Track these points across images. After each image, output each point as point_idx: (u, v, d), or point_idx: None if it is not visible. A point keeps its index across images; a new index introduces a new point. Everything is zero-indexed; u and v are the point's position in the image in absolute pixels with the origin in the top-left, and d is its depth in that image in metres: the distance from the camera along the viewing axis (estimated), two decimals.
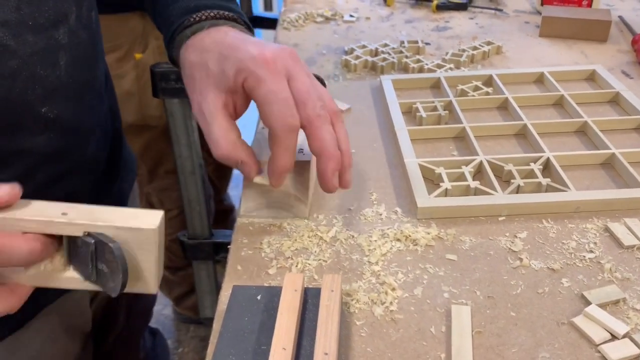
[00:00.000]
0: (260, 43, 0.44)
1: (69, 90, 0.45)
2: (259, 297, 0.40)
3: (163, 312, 1.54)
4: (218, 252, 0.72)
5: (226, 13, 0.49)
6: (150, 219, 0.36)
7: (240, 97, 0.44)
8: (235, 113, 0.45)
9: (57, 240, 0.37)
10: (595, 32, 0.82)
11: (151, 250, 0.36)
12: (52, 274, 0.37)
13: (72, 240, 0.37)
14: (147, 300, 0.79)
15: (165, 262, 1.23)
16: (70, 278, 0.38)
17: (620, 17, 0.88)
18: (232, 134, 0.43)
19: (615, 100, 0.64)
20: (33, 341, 0.51)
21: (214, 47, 0.45)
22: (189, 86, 0.46)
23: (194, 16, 0.47)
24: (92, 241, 0.35)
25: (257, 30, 1.55)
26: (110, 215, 0.36)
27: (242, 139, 0.44)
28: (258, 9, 1.94)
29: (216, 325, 0.40)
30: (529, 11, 0.95)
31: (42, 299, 0.50)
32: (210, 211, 0.99)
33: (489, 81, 0.68)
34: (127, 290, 0.37)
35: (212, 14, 0.48)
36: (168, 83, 0.60)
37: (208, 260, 0.74)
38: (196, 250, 0.72)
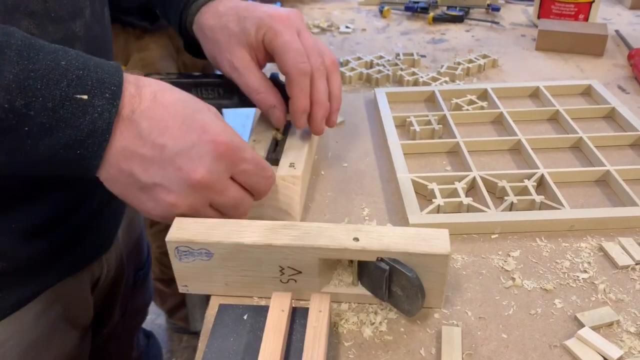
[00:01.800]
0: (271, 6, 0.50)
1: None
2: (245, 317, 0.39)
3: (156, 322, 1.53)
4: None
5: None
6: (441, 243, 0.37)
7: (261, 51, 0.50)
8: (259, 65, 0.51)
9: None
10: (592, 46, 0.81)
11: (442, 272, 0.38)
12: (343, 288, 0.41)
13: (363, 263, 0.39)
14: (143, 298, 0.80)
15: (158, 274, 1.22)
16: (360, 294, 0.40)
17: (616, 31, 0.88)
18: (266, 82, 0.50)
19: (611, 116, 0.63)
20: (33, 326, 0.51)
21: (231, 11, 0.51)
22: (212, 49, 0.52)
23: None
24: (387, 267, 0.37)
25: None
26: (398, 237, 0.38)
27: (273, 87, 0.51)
28: None
29: (201, 345, 0.39)
30: (525, 24, 0.94)
31: (38, 282, 0.51)
32: None
33: (483, 95, 0.67)
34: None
35: None
36: None
37: None
38: None
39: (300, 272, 0.39)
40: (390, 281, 0.38)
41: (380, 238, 0.38)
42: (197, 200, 0.39)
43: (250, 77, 0.50)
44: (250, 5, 0.51)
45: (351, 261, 0.41)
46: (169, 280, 1.22)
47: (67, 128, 0.35)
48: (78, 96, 0.35)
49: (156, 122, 0.37)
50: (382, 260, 0.37)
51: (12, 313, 0.49)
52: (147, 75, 0.61)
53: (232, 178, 0.41)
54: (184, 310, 1.26)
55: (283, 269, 0.39)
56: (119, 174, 0.38)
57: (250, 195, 0.42)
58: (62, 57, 0.36)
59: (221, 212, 0.41)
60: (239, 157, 0.40)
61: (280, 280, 0.40)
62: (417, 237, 0.38)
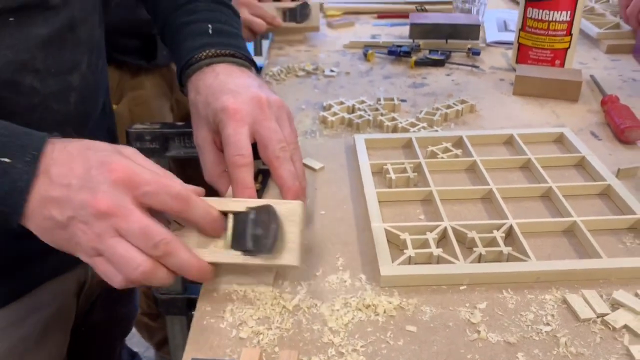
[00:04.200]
0: (236, 92, 0.53)
1: (75, 120, 0.54)
2: None
3: (145, 354, 1.53)
4: (191, 307, 0.72)
5: (224, 50, 0.58)
6: (294, 201, 0.47)
7: (219, 137, 0.53)
8: (222, 147, 0.53)
9: (224, 223, 0.46)
10: (567, 92, 0.84)
11: (297, 222, 0.45)
12: (218, 252, 0.46)
13: (235, 216, 0.46)
14: (128, 309, 0.84)
15: (145, 309, 1.22)
16: (233, 254, 0.46)
17: (591, 76, 0.91)
18: (218, 167, 0.54)
19: (582, 165, 0.65)
20: (20, 324, 0.58)
21: (204, 90, 0.55)
22: (191, 116, 0.57)
23: (196, 56, 0.57)
24: (253, 211, 0.45)
25: None
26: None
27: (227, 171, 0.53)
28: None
29: None
30: (504, 68, 0.97)
31: (25, 281, 0.58)
32: None
33: (459, 142, 0.70)
34: (275, 262, 0.45)
35: (211, 53, 0.58)
36: (143, 143, 0.61)
37: (181, 315, 0.74)
38: (169, 305, 0.72)
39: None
40: (255, 226, 0.45)
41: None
42: (105, 230, 0.41)
43: (205, 157, 0.55)
44: (220, 86, 0.54)
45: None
46: (157, 315, 1.22)
47: None
48: (0, 159, 0.40)
49: (62, 166, 0.42)
50: (250, 208, 0.46)
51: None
52: (134, 126, 0.64)
53: (142, 206, 0.42)
54: None
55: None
56: (42, 222, 0.42)
57: (164, 225, 0.43)
58: None
59: (132, 243, 0.42)
60: (137, 179, 0.42)
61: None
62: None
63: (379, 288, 0.49)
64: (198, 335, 0.45)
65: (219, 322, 0.46)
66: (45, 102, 0.53)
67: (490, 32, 1.11)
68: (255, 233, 0.45)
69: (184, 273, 0.44)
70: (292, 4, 1.10)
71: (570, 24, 0.88)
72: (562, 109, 0.82)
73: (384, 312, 0.46)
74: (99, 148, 0.43)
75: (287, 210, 0.46)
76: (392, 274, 0.48)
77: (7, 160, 0.40)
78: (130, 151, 0.45)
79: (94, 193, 0.40)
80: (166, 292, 0.71)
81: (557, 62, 0.91)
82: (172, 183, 0.43)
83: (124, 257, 0.41)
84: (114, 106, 1.00)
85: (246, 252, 0.45)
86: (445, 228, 0.54)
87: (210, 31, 0.60)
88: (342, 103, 0.83)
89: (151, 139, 0.61)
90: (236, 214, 0.46)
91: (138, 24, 0.99)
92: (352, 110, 0.82)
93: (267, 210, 0.45)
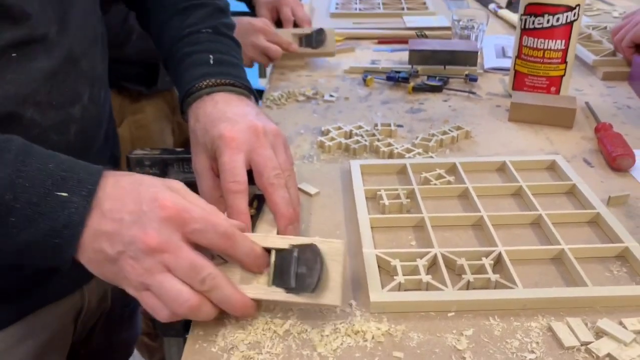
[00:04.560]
0: (233, 120, 0.55)
1: (75, 150, 0.54)
2: None
3: None
4: (189, 329, 0.73)
5: (224, 80, 0.61)
6: (337, 241, 0.48)
7: (216, 164, 0.55)
8: (219, 173, 0.55)
9: (268, 259, 0.48)
10: (561, 119, 0.86)
11: (339, 261, 0.47)
12: (261, 288, 0.47)
13: (278, 254, 0.48)
14: (129, 334, 0.85)
15: (145, 329, 1.23)
16: (275, 292, 0.47)
17: (587, 103, 0.92)
18: (215, 192, 0.55)
19: (572, 192, 0.66)
20: (15, 350, 0.59)
21: (204, 118, 0.57)
22: (191, 142, 0.59)
23: (197, 85, 0.60)
24: (296, 249, 0.47)
25: None
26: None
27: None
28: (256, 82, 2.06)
29: None
30: (501, 94, 0.99)
31: (20, 306, 0.59)
32: None
33: (452, 169, 0.71)
34: (316, 301, 0.46)
35: (211, 82, 0.60)
36: (142, 168, 0.63)
37: (179, 337, 0.75)
38: (167, 326, 0.73)
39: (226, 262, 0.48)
40: (298, 264, 0.47)
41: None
42: (153, 265, 0.42)
43: (202, 182, 0.57)
44: (218, 115, 0.56)
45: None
46: (156, 334, 1.23)
47: (47, 220, 0.41)
48: (59, 193, 0.41)
49: (115, 201, 0.43)
50: (293, 246, 0.48)
51: None
52: (134, 152, 0.66)
53: (189, 243, 0.44)
54: None
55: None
56: (93, 254, 0.43)
57: (209, 259, 0.45)
58: (51, 161, 0.43)
59: (180, 279, 0.43)
60: (186, 217, 0.43)
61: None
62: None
63: (369, 314, 0.50)
64: (190, 358, 0.46)
65: (211, 346, 0.47)
66: (45, 134, 0.54)
67: (489, 58, 1.13)
68: (298, 271, 0.46)
69: (227, 308, 0.46)
70: (308, 30, 1.13)
71: (565, 52, 0.90)
72: (557, 136, 0.83)
73: (373, 338, 0.47)
74: (150, 184, 0.45)
75: (330, 249, 0.47)
76: (382, 300, 0.50)
77: (64, 194, 0.42)
78: (180, 186, 0.47)
79: (144, 229, 0.42)
80: None
81: (553, 89, 0.93)
82: (219, 221, 0.45)
83: (172, 292, 0.43)
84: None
85: (289, 290, 0.46)
86: (436, 255, 0.55)
87: (211, 61, 0.62)
88: (340, 128, 0.84)
89: (151, 165, 0.63)
90: (279, 251, 0.48)
91: (149, 54, 1.02)
92: (349, 135, 0.83)
93: (311, 249, 0.47)
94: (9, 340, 0.59)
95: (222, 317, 0.50)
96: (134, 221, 0.43)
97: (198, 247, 0.45)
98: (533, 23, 0.89)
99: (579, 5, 0.86)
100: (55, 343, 0.65)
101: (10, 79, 0.50)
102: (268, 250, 0.49)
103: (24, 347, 0.60)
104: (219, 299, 0.45)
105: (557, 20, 0.87)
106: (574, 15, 0.87)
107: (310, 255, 0.47)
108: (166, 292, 0.43)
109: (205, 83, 0.60)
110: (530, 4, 0.89)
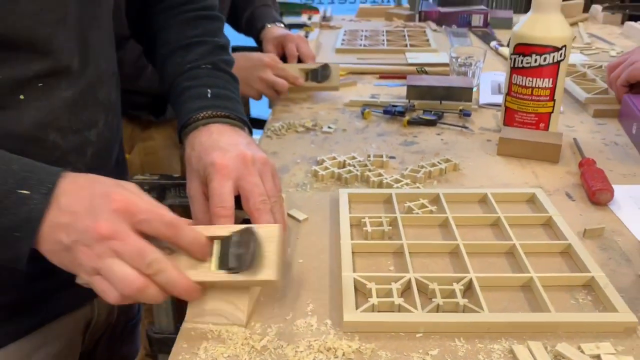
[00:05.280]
0: (225, 149, 0.60)
1: (93, 170, 0.58)
2: None
3: None
4: None
5: (220, 112, 0.66)
6: (272, 224, 0.54)
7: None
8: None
9: (211, 247, 0.53)
10: (547, 154, 0.89)
11: (275, 242, 0.52)
12: (206, 272, 0.52)
13: (221, 242, 0.53)
14: (129, 348, 0.88)
15: (142, 357, 1.27)
16: (217, 274, 0.51)
17: (574, 139, 0.96)
18: (207, 215, 0.59)
19: (549, 224, 0.69)
20: (31, 357, 0.64)
21: (198, 147, 0.62)
22: (186, 169, 0.64)
23: (194, 116, 0.65)
24: (236, 235, 0.52)
25: (255, 131, 1.69)
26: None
27: None
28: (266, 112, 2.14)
29: None
30: (493, 129, 1.03)
31: (35, 318, 0.64)
32: (177, 307, 1.05)
33: (436, 199, 0.74)
34: (253, 278, 0.50)
35: (207, 114, 0.65)
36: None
37: None
38: (162, 344, 0.76)
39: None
40: (238, 247, 0.51)
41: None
42: (104, 251, 0.47)
43: (195, 206, 0.61)
44: (212, 144, 0.61)
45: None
46: (153, 355, 1.26)
47: (9, 214, 0.46)
48: (20, 191, 0.47)
49: (71, 196, 0.48)
50: (234, 233, 0.52)
51: (9, 344, 0.60)
52: (135, 177, 0.71)
53: (137, 232, 0.48)
54: None
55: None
56: (51, 245, 0.48)
57: (154, 247, 0.49)
58: (15, 163, 0.48)
59: (129, 263, 0.47)
60: (134, 209, 0.48)
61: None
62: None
63: (342, 332, 0.53)
64: None
65: (193, 357, 0.51)
66: (65, 156, 0.60)
67: (484, 94, 1.17)
68: (237, 252, 0.51)
69: (172, 290, 0.49)
70: (314, 65, 1.18)
71: (553, 90, 0.93)
72: (542, 170, 0.87)
73: (343, 354, 0.50)
74: (104, 182, 0.50)
75: (266, 232, 0.53)
76: (355, 320, 0.53)
77: (26, 192, 0.47)
78: (132, 186, 0.51)
79: (96, 219, 0.47)
80: (159, 332, 0.76)
81: (542, 125, 0.96)
82: (165, 212, 0.50)
83: (120, 275, 0.47)
84: (127, 155, 1.08)
85: (229, 270, 0.51)
86: (410, 279, 0.58)
87: (209, 95, 0.67)
88: (334, 158, 0.89)
89: (150, 189, 0.68)
90: (221, 239, 0.53)
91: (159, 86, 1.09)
92: (343, 165, 0.87)
93: (247, 232, 0.52)
94: (25, 349, 0.63)
95: (206, 332, 0.53)
96: (87, 213, 0.47)
97: (147, 238, 0.49)
98: (522, 62, 0.93)
99: (565, 46, 0.91)
100: (66, 352, 0.70)
101: (36, 106, 0.56)
102: (212, 240, 0.53)
103: (39, 355, 0.65)
104: (164, 282, 0.49)
105: (545, 59, 0.92)
106: (561, 56, 0.91)
107: (246, 238, 0.52)
108: (115, 275, 0.47)
109: (202, 115, 0.65)
110: (519, 44, 0.93)
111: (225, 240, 0.53)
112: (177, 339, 0.53)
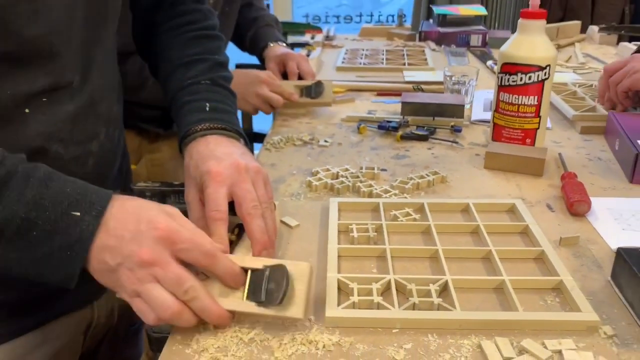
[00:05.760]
0: (220, 158, 0.65)
1: (92, 180, 0.63)
2: None
3: None
4: None
5: (217, 124, 0.70)
6: (304, 262, 0.58)
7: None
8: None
9: (244, 277, 0.56)
10: (531, 168, 0.93)
11: (304, 281, 0.55)
12: (236, 302, 0.56)
13: (253, 272, 0.56)
14: (132, 352, 0.93)
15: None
16: (248, 305, 0.55)
17: (559, 154, 1.00)
18: (203, 220, 0.63)
19: (525, 232, 0.74)
20: (28, 357, 0.67)
21: (196, 156, 0.67)
22: (184, 177, 0.68)
23: (193, 128, 0.70)
24: (268, 269, 0.56)
25: (257, 145, 1.75)
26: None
27: None
28: (264, 125, 2.19)
29: None
30: (482, 144, 1.07)
31: (37, 316, 0.68)
32: None
33: (420, 209, 0.79)
34: (281, 313, 0.54)
35: (205, 126, 0.70)
36: (144, 198, 0.72)
37: None
38: (161, 343, 0.80)
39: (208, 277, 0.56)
40: (268, 281, 0.55)
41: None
42: (145, 276, 0.51)
43: (192, 212, 0.65)
44: (209, 154, 0.66)
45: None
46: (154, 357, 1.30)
47: (63, 235, 0.50)
48: (73, 213, 0.51)
49: (118, 221, 0.52)
50: (265, 266, 0.56)
51: (11, 340, 0.64)
52: (138, 184, 0.76)
53: (177, 259, 0.53)
54: None
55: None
56: (97, 265, 0.53)
57: (194, 275, 0.53)
58: (69, 186, 0.52)
59: (168, 289, 0.52)
60: (175, 237, 0.52)
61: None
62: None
63: (324, 327, 0.57)
64: (167, 357, 0.54)
65: (186, 348, 0.55)
66: (67, 165, 0.63)
67: (476, 111, 1.22)
68: (268, 288, 0.55)
69: (205, 316, 0.54)
70: (309, 82, 1.24)
71: (538, 107, 0.98)
72: (526, 183, 0.91)
73: (323, 346, 0.55)
74: (150, 208, 0.55)
75: (297, 270, 0.56)
76: (336, 316, 0.57)
77: (78, 214, 0.51)
78: (175, 212, 0.56)
79: (140, 245, 0.51)
80: (158, 331, 0.80)
81: (528, 140, 1.00)
82: (203, 242, 0.54)
83: (159, 299, 0.52)
84: (134, 166, 1.14)
85: (259, 303, 0.55)
86: (390, 280, 0.62)
87: (207, 108, 0.73)
88: (328, 170, 0.93)
89: (151, 195, 0.73)
90: (254, 271, 0.57)
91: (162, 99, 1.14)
92: (336, 176, 0.92)
93: (281, 269, 0.55)
94: (27, 345, 0.68)
95: (199, 325, 0.58)
96: (132, 238, 0.52)
97: (185, 264, 0.54)
98: (508, 80, 0.98)
99: (549, 65, 0.95)
100: (67, 351, 0.74)
101: (40, 119, 0.61)
102: (245, 270, 0.57)
103: (41, 352, 0.69)
104: (198, 308, 0.53)
105: (530, 78, 0.96)
106: (545, 74, 0.96)
107: (279, 274, 0.55)
108: (154, 299, 0.52)
109: (200, 127, 0.70)
110: (505, 64, 0.98)
111: (258, 273, 0.56)
112: (172, 332, 0.57)
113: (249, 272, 0.57)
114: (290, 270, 0.56)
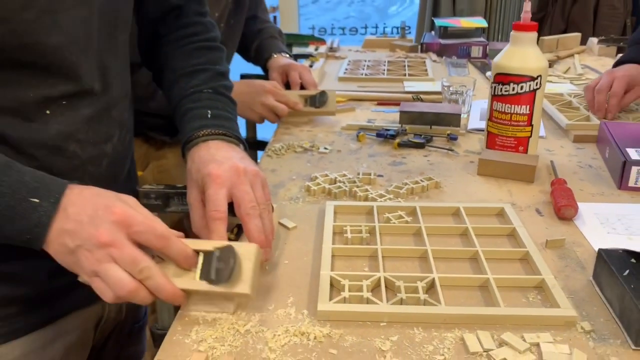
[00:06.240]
0: (220, 162, 0.68)
1: (105, 180, 0.66)
2: None
3: None
4: None
5: (218, 130, 0.74)
6: (251, 243, 0.62)
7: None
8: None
9: (196, 259, 0.60)
10: (523, 174, 0.96)
11: (252, 260, 0.59)
12: (189, 280, 0.59)
13: (204, 254, 0.60)
14: (136, 349, 0.97)
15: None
16: (199, 283, 0.59)
17: (551, 161, 1.03)
18: (204, 220, 0.66)
19: (513, 235, 0.77)
20: (42, 351, 0.72)
21: (197, 160, 0.70)
22: (187, 180, 0.72)
23: (195, 134, 0.74)
24: (218, 250, 0.59)
25: (260, 153, 1.79)
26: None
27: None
28: (267, 133, 2.24)
29: None
30: (477, 152, 1.10)
31: (51, 311, 0.72)
32: (178, 307, 1.13)
33: (413, 212, 0.82)
34: (229, 290, 0.58)
35: (207, 132, 0.74)
36: (149, 200, 0.76)
37: None
38: (163, 339, 0.84)
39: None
40: (218, 261, 0.58)
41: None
42: (103, 257, 0.55)
43: (193, 213, 0.68)
44: (210, 158, 0.69)
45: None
46: None
47: (22, 219, 0.54)
48: (32, 199, 0.55)
49: (77, 207, 0.56)
50: (216, 248, 0.59)
51: (27, 334, 0.68)
52: (143, 186, 0.80)
53: (133, 241, 0.56)
54: None
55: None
56: (57, 247, 0.56)
57: (149, 257, 0.57)
58: (28, 175, 0.56)
59: (124, 268, 0.55)
60: (131, 221, 0.56)
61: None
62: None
63: (316, 321, 0.61)
64: (168, 346, 0.58)
65: (185, 338, 0.59)
66: (84, 165, 0.68)
67: (473, 120, 1.25)
68: (218, 267, 0.59)
69: (160, 294, 0.57)
70: (313, 92, 1.28)
71: (530, 116, 1.01)
72: (518, 189, 0.94)
73: (315, 338, 0.58)
74: (106, 195, 0.58)
75: (245, 250, 0.60)
76: (327, 310, 0.60)
77: (36, 200, 0.55)
78: (131, 200, 0.60)
79: (97, 228, 0.55)
80: (161, 329, 0.84)
81: (521, 148, 1.04)
82: (157, 225, 0.58)
83: (116, 278, 0.55)
84: (140, 172, 1.18)
85: (210, 281, 0.58)
86: (380, 277, 0.66)
87: (209, 115, 0.77)
88: (326, 175, 0.97)
89: (155, 197, 0.76)
90: (205, 252, 0.60)
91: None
92: (334, 181, 0.96)
93: (228, 249, 0.59)
94: (42, 340, 0.72)
95: (198, 317, 0.61)
96: (90, 222, 0.55)
97: (141, 247, 0.57)
98: (501, 90, 1.02)
99: (540, 75, 0.99)
100: (79, 346, 0.78)
101: (60, 120, 0.65)
102: (197, 252, 0.61)
103: (55, 346, 0.73)
104: (153, 287, 0.57)
105: (522, 88, 1.00)
106: (537, 84, 0.99)
107: (227, 255, 0.59)
108: (111, 278, 0.55)
109: (202, 132, 0.74)
110: (498, 74, 1.02)
111: (208, 254, 0.60)
112: (172, 324, 0.61)
113: (201, 254, 0.60)
114: (238, 250, 0.59)
